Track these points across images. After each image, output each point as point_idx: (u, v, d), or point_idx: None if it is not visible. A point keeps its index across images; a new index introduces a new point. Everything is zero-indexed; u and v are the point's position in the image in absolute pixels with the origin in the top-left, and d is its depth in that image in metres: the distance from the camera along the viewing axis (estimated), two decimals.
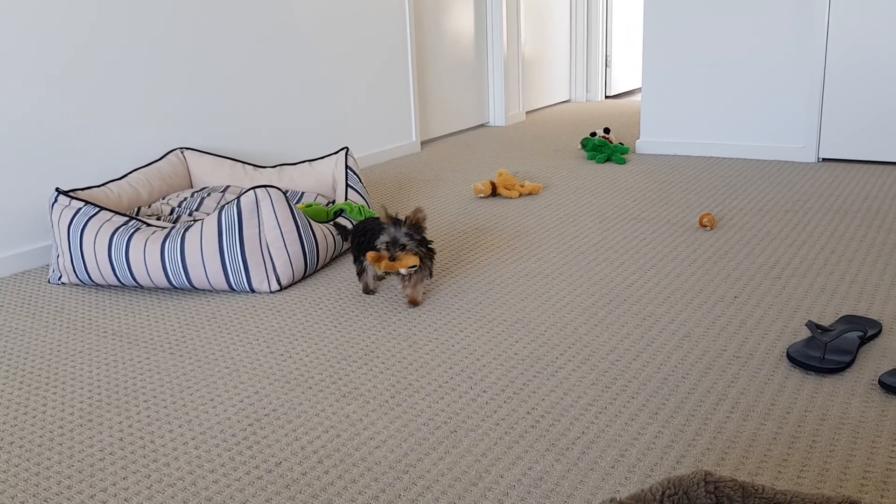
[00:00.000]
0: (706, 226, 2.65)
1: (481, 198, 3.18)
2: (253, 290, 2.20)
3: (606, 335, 1.84)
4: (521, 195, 3.18)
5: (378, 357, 1.76)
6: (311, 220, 2.34)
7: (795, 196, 3.08)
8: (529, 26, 5.46)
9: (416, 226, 1.96)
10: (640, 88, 5.21)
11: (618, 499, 0.92)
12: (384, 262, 1.94)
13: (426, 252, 2.00)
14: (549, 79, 5.92)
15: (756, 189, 3.21)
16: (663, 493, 0.94)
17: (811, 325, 1.68)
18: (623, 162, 3.80)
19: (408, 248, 1.94)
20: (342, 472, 1.33)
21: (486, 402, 1.54)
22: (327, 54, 3.66)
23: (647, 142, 4.06)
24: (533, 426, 1.46)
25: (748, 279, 2.18)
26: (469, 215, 2.94)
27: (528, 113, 5.58)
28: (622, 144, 3.97)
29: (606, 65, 6.29)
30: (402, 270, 1.96)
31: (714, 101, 3.87)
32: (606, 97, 6.36)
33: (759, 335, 1.82)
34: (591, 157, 3.91)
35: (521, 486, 1.27)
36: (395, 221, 1.96)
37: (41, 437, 1.48)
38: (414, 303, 2.05)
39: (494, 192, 3.18)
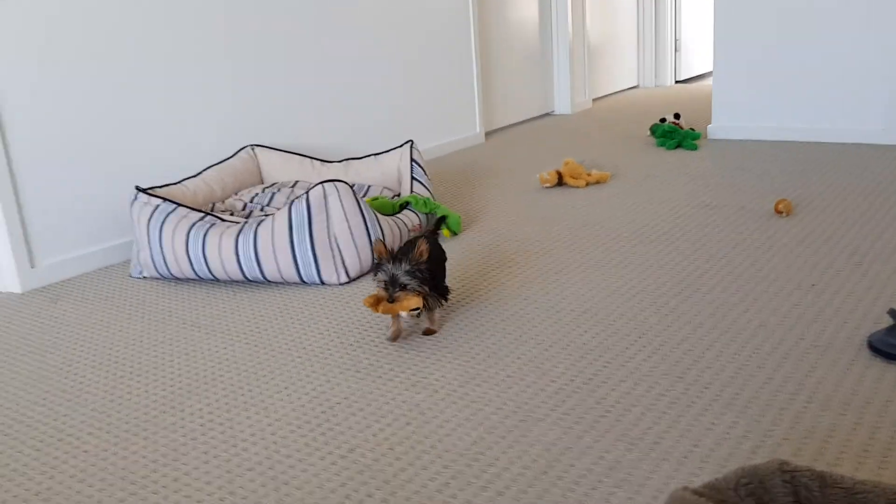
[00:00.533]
0: (781, 212, 2.58)
1: (547, 188, 3.16)
2: (323, 283, 2.25)
3: (678, 325, 1.81)
4: (588, 184, 3.15)
5: (446, 347, 1.78)
6: (377, 213, 2.37)
7: (875, 179, 2.96)
8: (595, 11, 5.38)
9: (418, 262, 1.72)
10: (710, 72, 5.09)
11: (691, 488, 0.91)
12: (382, 305, 1.71)
13: (431, 290, 1.77)
14: (617, 65, 5.83)
15: (833, 173, 3.10)
16: (738, 482, 0.93)
17: (893, 313, 1.62)
18: (694, 148, 3.72)
19: (409, 287, 1.70)
20: (413, 459, 1.35)
21: (555, 392, 1.54)
22: (391, 47, 3.69)
23: (719, 127, 3.96)
24: (603, 416, 1.45)
25: (826, 266, 2.11)
26: (535, 206, 2.93)
27: (594, 100, 5.51)
28: (693, 130, 3.89)
29: (676, 49, 6.16)
30: (404, 314, 1.75)
31: (788, 83, 3.75)
32: (676, 82, 6.22)
33: (839, 323, 1.76)
34: (661, 144, 3.84)
35: (591, 476, 1.27)
36: (394, 257, 1.74)
37: (127, 422, 1.55)
38: (430, 332, 1.84)
39: (561, 182, 3.16)
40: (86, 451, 1.45)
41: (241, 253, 2.22)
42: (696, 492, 0.91)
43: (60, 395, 1.69)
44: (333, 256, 2.24)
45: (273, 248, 2.21)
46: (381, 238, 2.30)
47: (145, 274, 2.43)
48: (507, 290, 2.09)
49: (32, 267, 2.42)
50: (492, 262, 2.33)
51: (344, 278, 2.25)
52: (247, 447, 1.42)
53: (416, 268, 1.71)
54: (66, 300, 2.29)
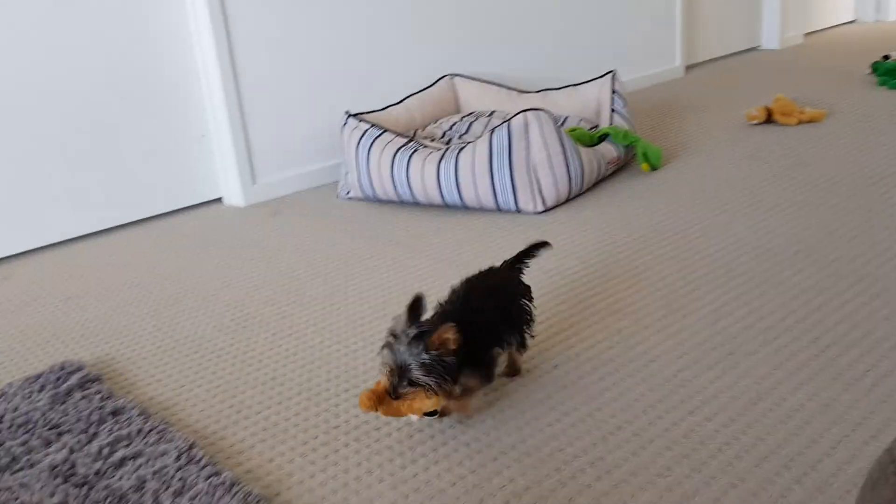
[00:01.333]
0: None
1: (754, 125, 2.99)
2: (519, 210, 2.29)
3: None
4: (800, 122, 2.95)
5: (647, 279, 1.77)
6: (576, 145, 2.36)
7: None
8: None
9: (441, 349, 1.17)
10: None
11: None
12: (384, 405, 1.20)
13: (452, 384, 1.20)
14: None
15: None
16: None
17: None
18: None
19: (421, 383, 1.17)
20: (617, 379, 1.37)
21: (766, 329, 1.50)
22: None
23: None
24: (817, 356, 1.39)
25: None
26: (740, 143, 2.79)
27: (806, 35, 5.09)
28: None
29: None
30: (414, 417, 1.24)
31: None
32: None
33: None
34: (884, 83, 3.51)
35: (804, 412, 1.23)
36: (417, 335, 1.18)
37: (345, 326, 1.68)
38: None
39: (769, 119, 2.98)
40: (311, 347, 1.60)
41: (442, 178, 2.30)
42: None
43: (286, 297, 1.86)
44: (531, 184, 2.27)
45: (473, 174, 2.27)
46: (581, 167, 2.28)
47: (352, 195, 2.58)
48: (711, 227, 2.03)
49: (254, 183, 2.64)
50: (694, 198, 2.26)
51: (540, 206, 2.27)
52: None
53: (436, 359, 1.16)
54: (284, 215, 2.49)
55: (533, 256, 1.47)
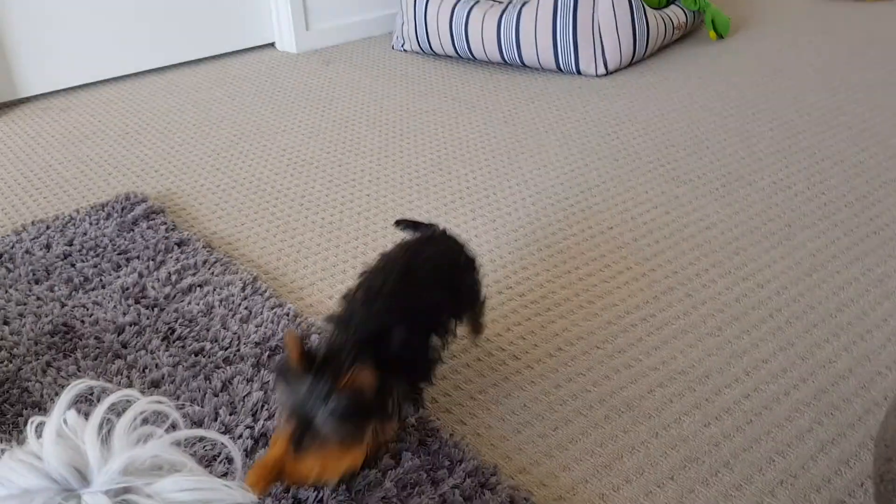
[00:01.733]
0: None
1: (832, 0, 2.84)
2: (579, 73, 2.23)
3: None
4: None
5: (708, 148, 1.74)
6: (645, 6, 2.26)
7: None
8: None
9: (355, 392, 0.81)
10: None
11: None
12: (285, 470, 0.83)
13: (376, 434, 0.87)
14: None
15: None
16: None
17: None
18: None
19: (327, 438, 0.82)
20: (672, 243, 1.38)
21: (825, 204, 1.49)
22: None
23: None
24: (874, 233, 1.39)
25: None
26: (813, 17, 2.66)
27: None
28: None
29: None
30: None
31: None
32: None
33: None
34: None
35: (857, 285, 1.24)
36: (318, 367, 0.82)
37: (401, 177, 1.70)
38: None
39: None
40: (368, 195, 1.62)
41: (502, 33, 2.24)
42: None
43: (341, 145, 1.87)
44: (594, 45, 2.20)
45: (535, 31, 2.20)
46: (647, 30, 2.20)
47: (406, 47, 2.53)
48: (777, 101, 1.97)
49: (307, 30, 2.59)
50: (760, 71, 2.18)
51: (602, 70, 2.22)
52: (510, 212, 1.52)
53: (351, 402, 0.81)
54: (336, 63, 2.45)
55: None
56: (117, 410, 0.53)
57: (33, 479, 0.48)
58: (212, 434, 0.54)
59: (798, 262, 1.31)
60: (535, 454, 0.96)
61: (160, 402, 0.54)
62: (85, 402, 1.00)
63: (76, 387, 0.53)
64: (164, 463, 0.51)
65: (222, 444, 0.54)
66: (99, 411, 0.52)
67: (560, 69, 2.25)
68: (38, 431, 0.52)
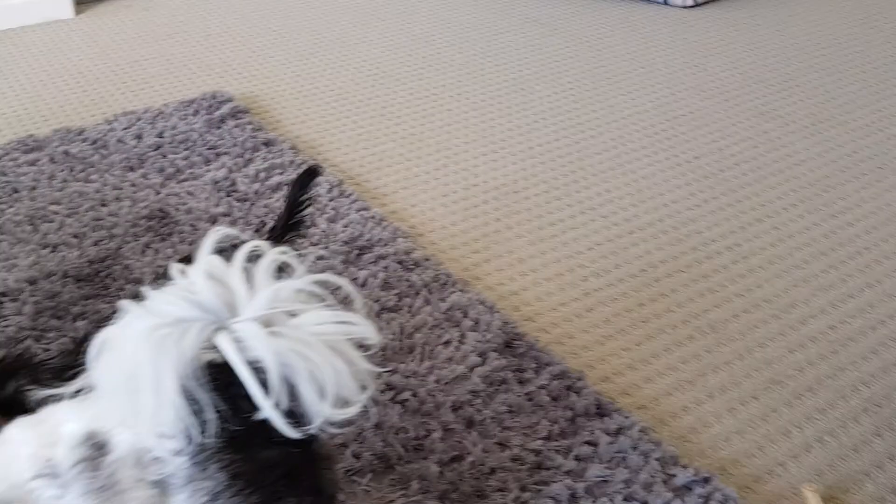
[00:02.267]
0: None
1: None
2: (666, 2, 2.18)
3: None
4: None
5: (798, 85, 1.70)
6: None
7: None
8: None
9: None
10: None
11: None
12: None
13: None
14: None
15: None
16: None
17: None
18: None
19: None
20: (759, 177, 1.37)
21: None
22: None
23: None
24: None
25: None
26: None
27: None
28: None
29: None
30: None
31: None
32: None
33: None
34: None
35: None
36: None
37: (482, 94, 1.69)
38: None
39: None
40: (448, 110, 1.63)
41: None
42: None
43: (421, 60, 1.86)
44: None
45: None
46: None
47: None
48: (870, 43, 1.91)
49: None
50: (853, 12, 2.11)
51: (689, 1, 2.15)
52: (594, 135, 1.51)
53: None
54: None
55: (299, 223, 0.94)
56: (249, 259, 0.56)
57: (188, 310, 0.51)
58: (336, 279, 0.56)
59: (889, 204, 1.29)
60: (617, 366, 0.98)
61: (286, 253, 0.56)
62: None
63: (217, 233, 0.56)
64: (305, 297, 0.54)
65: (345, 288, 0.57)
66: (240, 255, 0.55)
67: None
68: (183, 274, 0.55)
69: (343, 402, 0.53)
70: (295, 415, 0.52)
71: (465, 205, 1.32)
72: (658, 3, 2.19)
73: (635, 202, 1.30)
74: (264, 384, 0.50)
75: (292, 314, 0.53)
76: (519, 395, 0.92)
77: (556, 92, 1.69)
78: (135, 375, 0.50)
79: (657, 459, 0.84)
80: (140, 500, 0.51)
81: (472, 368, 0.96)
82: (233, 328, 0.51)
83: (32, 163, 1.40)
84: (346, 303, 0.56)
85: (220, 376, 0.51)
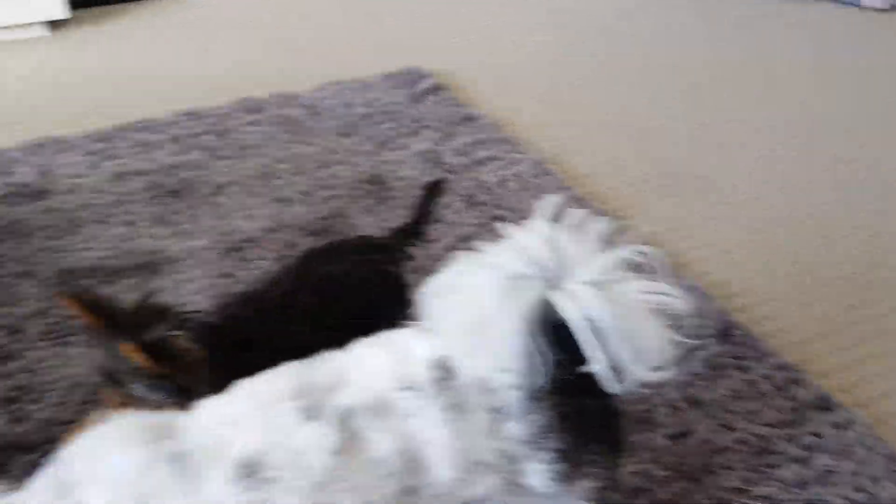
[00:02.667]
0: None
1: None
2: (859, 5, 2.11)
3: None
4: None
5: None
6: None
7: None
8: None
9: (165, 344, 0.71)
10: None
11: None
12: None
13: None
14: None
15: None
16: None
17: None
18: None
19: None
20: None
21: None
22: None
23: None
24: None
25: None
26: None
27: None
28: None
29: None
30: None
31: None
32: None
33: None
34: None
35: None
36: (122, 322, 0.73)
37: (681, 86, 1.70)
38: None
39: None
40: (647, 96, 1.65)
41: None
42: None
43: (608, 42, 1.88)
44: None
45: None
46: None
47: None
48: None
49: None
50: None
51: (887, 3, 2.08)
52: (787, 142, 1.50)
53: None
54: None
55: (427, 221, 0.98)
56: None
57: (527, 266, 0.57)
58: (656, 251, 0.61)
59: None
60: (833, 364, 0.99)
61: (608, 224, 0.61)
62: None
63: (550, 201, 0.61)
64: (630, 266, 0.59)
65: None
66: (569, 223, 0.60)
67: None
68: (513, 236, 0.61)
69: (656, 367, 0.58)
70: (614, 372, 0.57)
71: (665, 192, 1.34)
72: (850, 4, 2.12)
73: (835, 197, 1.29)
74: (594, 341, 0.56)
75: (619, 280, 0.58)
76: (742, 380, 0.95)
77: (735, 94, 1.68)
78: (484, 317, 0.56)
79: (882, 455, 0.86)
80: (480, 422, 0.57)
81: (691, 352, 0.99)
82: (569, 287, 0.57)
83: (255, 123, 1.51)
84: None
85: (555, 328, 0.56)
